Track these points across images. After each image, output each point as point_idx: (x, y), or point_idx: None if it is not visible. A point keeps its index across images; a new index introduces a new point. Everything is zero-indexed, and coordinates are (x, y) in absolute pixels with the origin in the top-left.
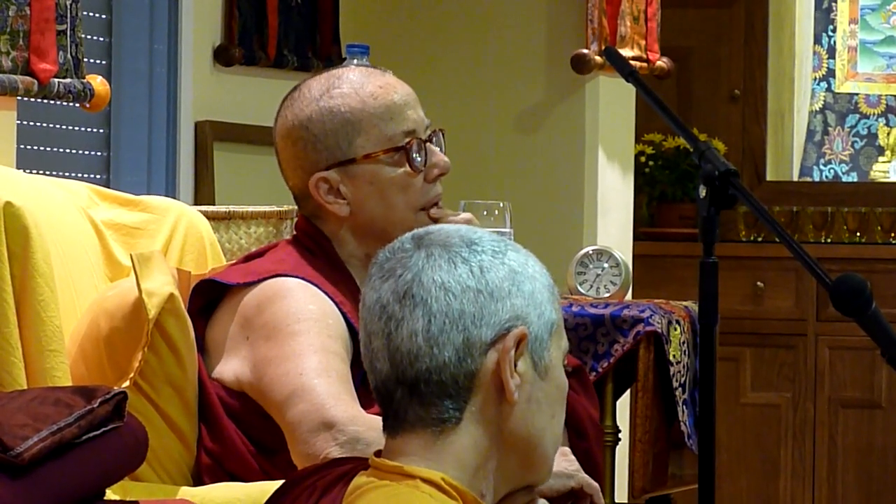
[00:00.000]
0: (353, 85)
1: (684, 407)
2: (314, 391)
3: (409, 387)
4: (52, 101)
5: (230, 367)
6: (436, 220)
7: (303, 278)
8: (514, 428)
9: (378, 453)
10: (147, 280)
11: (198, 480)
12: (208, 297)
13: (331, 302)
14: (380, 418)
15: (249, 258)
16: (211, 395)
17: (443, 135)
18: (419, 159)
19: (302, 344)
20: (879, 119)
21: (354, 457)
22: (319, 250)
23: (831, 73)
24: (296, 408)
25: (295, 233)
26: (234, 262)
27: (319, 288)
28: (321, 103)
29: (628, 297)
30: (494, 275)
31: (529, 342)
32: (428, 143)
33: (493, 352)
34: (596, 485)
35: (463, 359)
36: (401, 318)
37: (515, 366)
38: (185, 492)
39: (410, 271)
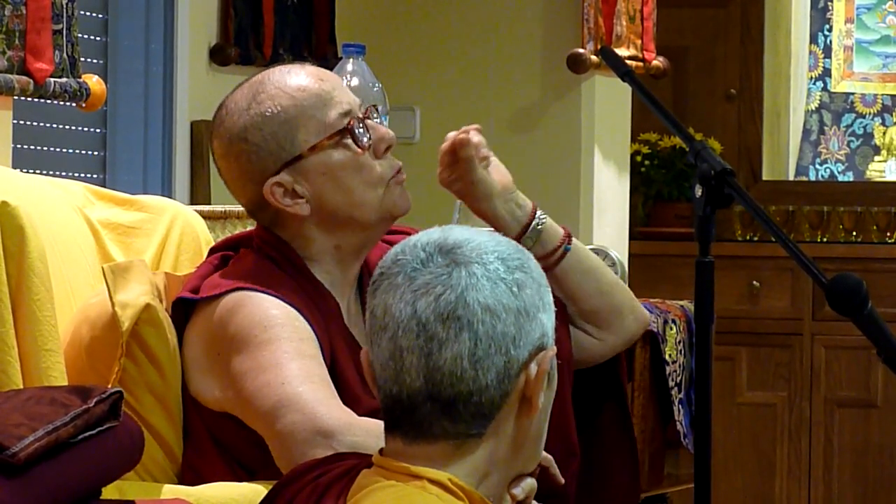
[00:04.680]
0: (278, 84)
1: (680, 406)
2: (301, 399)
3: (444, 404)
4: (48, 101)
5: (206, 386)
6: (400, 185)
7: (260, 290)
8: (527, 437)
9: (382, 451)
10: (123, 291)
11: None
12: (185, 313)
13: (292, 308)
14: (374, 422)
15: (215, 250)
16: (191, 411)
17: (377, 110)
18: (364, 135)
19: (276, 352)
20: (875, 118)
21: (356, 452)
22: (282, 258)
23: (827, 72)
24: (285, 419)
25: (257, 242)
26: (205, 262)
27: (281, 299)
28: (252, 111)
29: None
30: (528, 291)
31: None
32: (367, 121)
33: (524, 372)
34: (549, 456)
35: (502, 381)
36: (444, 340)
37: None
38: (180, 490)
39: (453, 291)
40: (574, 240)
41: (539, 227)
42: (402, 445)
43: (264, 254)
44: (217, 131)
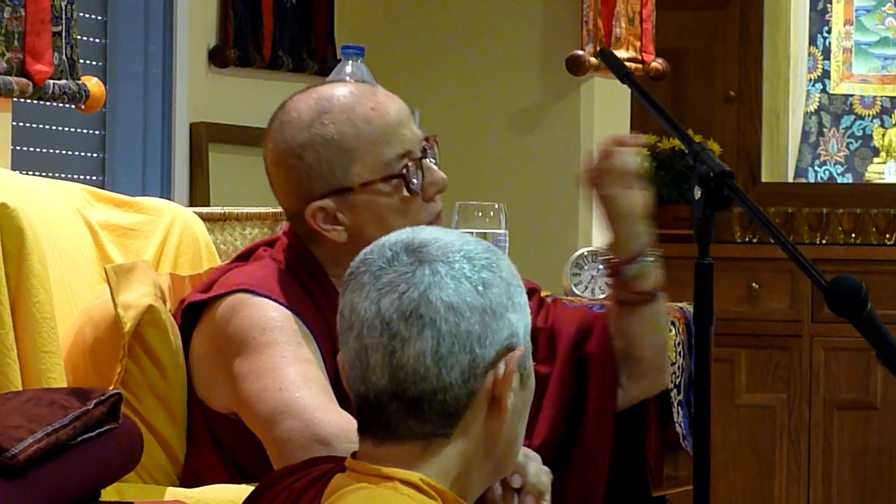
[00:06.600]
0: (345, 108)
1: (679, 408)
2: (298, 405)
3: (409, 403)
4: (47, 103)
5: (210, 386)
6: None
7: (263, 293)
8: (500, 440)
9: (354, 454)
10: (125, 292)
11: None
12: (194, 315)
13: (292, 312)
14: None
15: (240, 257)
16: (196, 413)
17: (436, 142)
18: (416, 182)
19: (274, 356)
20: (874, 120)
21: (331, 456)
22: (301, 265)
23: (826, 74)
24: (282, 425)
25: (282, 245)
26: (223, 265)
27: (282, 304)
28: (313, 130)
29: None
30: (495, 290)
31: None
32: (424, 161)
33: (491, 372)
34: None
35: (468, 380)
36: (407, 338)
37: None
38: (179, 493)
39: (416, 289)
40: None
41: (646, 261)
42: (372, 447)
43: (284, 258)
44: (273, 136)
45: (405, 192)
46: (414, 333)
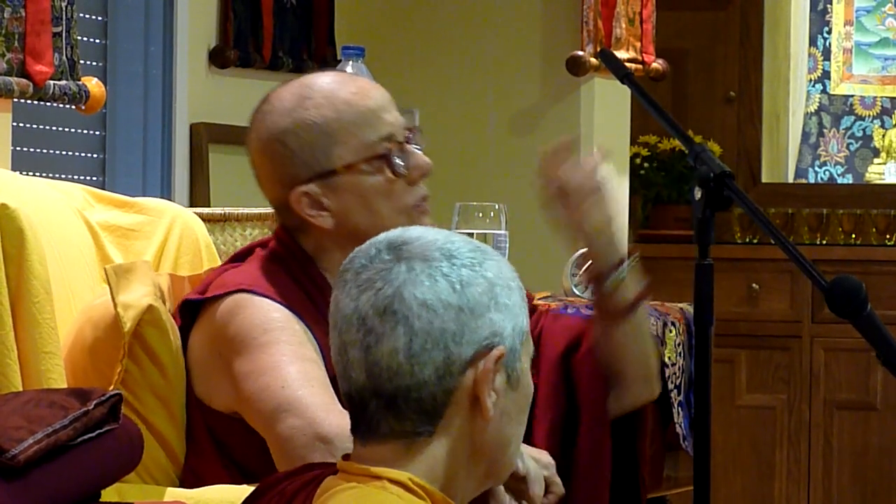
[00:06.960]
0: (326, 94)
1: (680, 409)
2: (300, 404)
3: (386, 400)
4: (47, 103)
5: (210, 386)
6: (424, 215)
7: (262, 293)
8: (486, 440)
9: (346, 457)
10: (125, 292)
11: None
12: (192, 315)
13: (292, 312)
14: None
15: (236, 257)
16: (195, 413)
17: (419, 131)
18: (400, 164)
19: (275, 355)
20: (875, 121)
21: (326, 462)
22: (294, 261)
23: (826, 74)
24: (284, 423)
25: (274, 243)
26: (219, 266)
27: (281, 303)
28: (295, 115)
29: None
30: (474, 290)
31: (505, 357)
32: (407, 145)
33: (471, 370)
34: (550, 461)
35: (443, 377)
36: (381, 334)
37: (493, 383)
38: (180, 493)
39: (391, 285)
40: (644, 303)
41: (622, 272)
42: (360, 448)
43: (277, 255)
44: (256, 125)
45: (389, 174)
46: (387, 330)
